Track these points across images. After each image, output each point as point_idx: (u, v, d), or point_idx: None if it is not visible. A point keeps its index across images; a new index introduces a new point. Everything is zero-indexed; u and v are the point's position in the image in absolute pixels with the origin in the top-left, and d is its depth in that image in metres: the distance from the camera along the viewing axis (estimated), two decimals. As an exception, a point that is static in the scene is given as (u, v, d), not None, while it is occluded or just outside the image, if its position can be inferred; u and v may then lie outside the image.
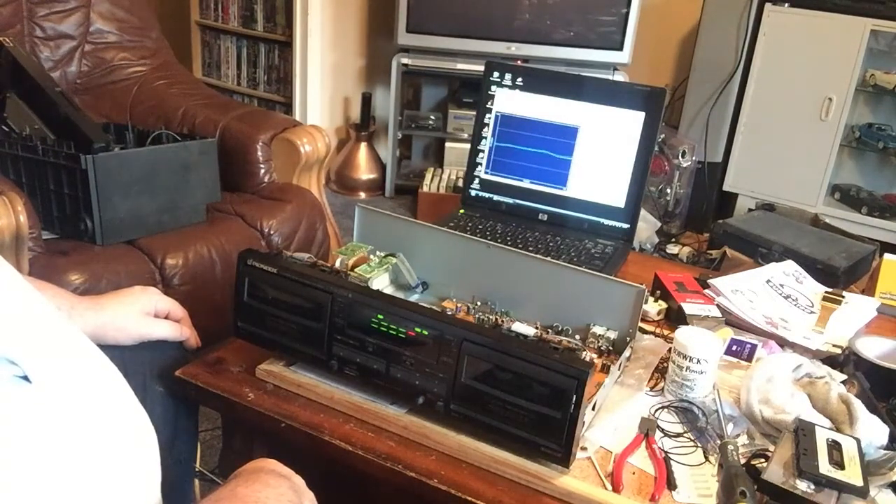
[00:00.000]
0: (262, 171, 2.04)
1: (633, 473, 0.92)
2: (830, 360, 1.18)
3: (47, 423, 0.56)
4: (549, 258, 1.19)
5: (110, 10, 2.25)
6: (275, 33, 3.65)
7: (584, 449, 0.93)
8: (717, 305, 1.27)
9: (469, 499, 0.87)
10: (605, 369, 1.02)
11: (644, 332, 1.21)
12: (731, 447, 0.92)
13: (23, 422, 0.53)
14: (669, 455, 0.95)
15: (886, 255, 1.56)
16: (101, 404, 0.66)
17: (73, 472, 0.57)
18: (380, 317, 0.94)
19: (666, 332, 1.23)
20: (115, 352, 0.78)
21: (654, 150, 1.53)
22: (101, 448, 0.62)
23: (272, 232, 1.88)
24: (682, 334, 1.06)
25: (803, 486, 0.84)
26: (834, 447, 0.89)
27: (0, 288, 0.60)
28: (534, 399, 0.86)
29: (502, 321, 1.06)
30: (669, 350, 1.10)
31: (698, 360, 1.03)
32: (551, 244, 1.49)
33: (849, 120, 3.06)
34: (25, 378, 0.55)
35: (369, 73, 3.78)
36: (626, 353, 1.08)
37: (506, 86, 1.60)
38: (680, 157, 3.15)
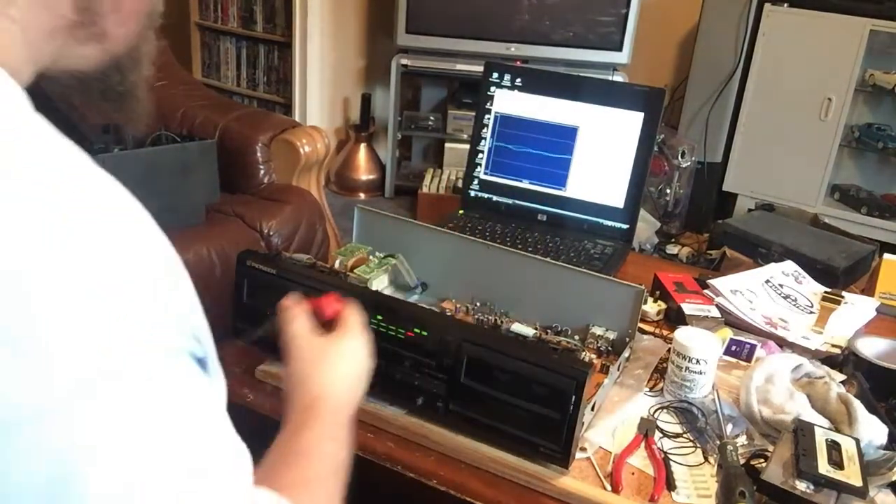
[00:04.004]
0: (262, 171, 2.04)
1: (633, 474, 0.92)
2: (830, 360, 1.18)
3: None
4: (548, 259, 1.19)
5: (110, 11, 2.25)
6: (274, 34, 3.65)
7: (583, 449, 0.93)
8: (717, 306, 1.27)
9: (468, 499, 0.87)
10: (605, 370, 1.03)
11: (643, 332, 1.21)
12: (730, 447, 0.92)
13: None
14: (669, 455, 0.95)
15: (886, 255, 1.55)
16: None
17: None
18: (379, 317, 0.93)
19: (665, 333, 1.22)
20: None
21: (653, 151, 1.53)
22: None
23: (271, 233, 1.88)
24: (682, 335, 1.06)
25: (802, 487, 0.84)
26: (833, 447, 0.89)
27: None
28: (533, 400, 0.86)
29: (502, 321, 1.06)
30: (669, 350, 1.10)
31: (697, 361, 1.03)
32: (551, 245, 1.49)
33: (848, 120, 3.06)
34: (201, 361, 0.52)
35: (369, 74, 3.78)
36: (626, 353, 1.08)
37: (505, 86, 1.60)
38: (679, 157, 3.15)
